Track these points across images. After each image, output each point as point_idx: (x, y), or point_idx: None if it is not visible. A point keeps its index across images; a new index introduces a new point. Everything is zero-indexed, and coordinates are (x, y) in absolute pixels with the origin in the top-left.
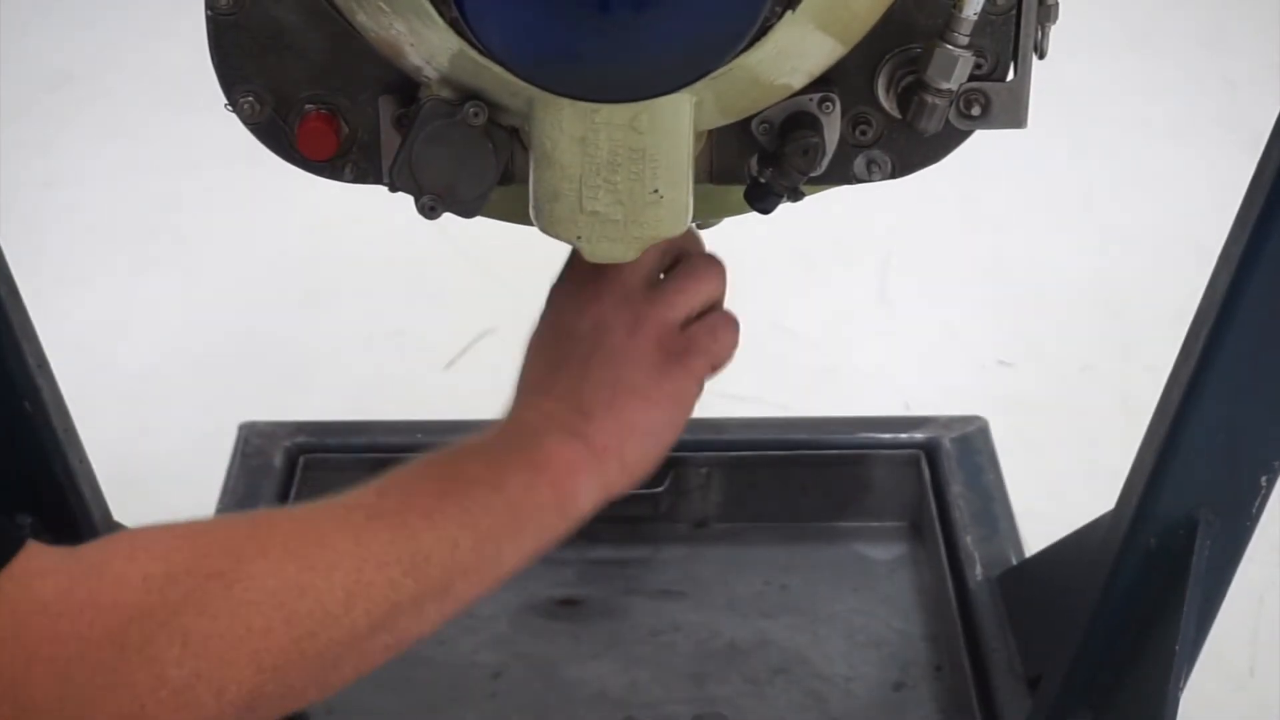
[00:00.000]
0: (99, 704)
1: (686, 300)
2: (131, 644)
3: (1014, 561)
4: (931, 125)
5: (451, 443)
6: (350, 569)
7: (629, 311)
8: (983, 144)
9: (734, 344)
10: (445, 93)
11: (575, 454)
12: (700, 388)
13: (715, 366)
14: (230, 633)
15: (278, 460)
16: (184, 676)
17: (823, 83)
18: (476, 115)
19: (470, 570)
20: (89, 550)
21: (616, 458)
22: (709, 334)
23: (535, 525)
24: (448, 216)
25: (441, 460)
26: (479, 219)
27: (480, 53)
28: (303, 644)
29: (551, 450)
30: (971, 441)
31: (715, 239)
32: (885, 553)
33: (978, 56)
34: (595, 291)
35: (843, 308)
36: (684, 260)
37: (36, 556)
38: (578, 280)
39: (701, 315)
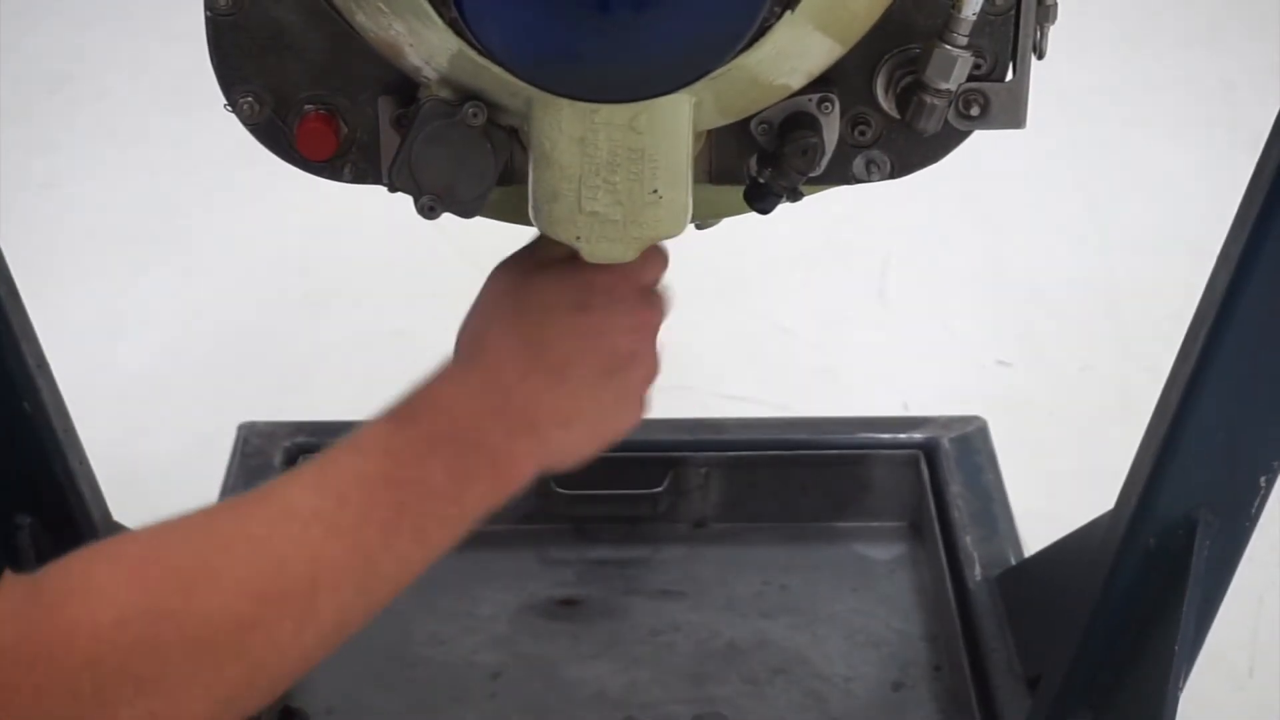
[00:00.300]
0: None
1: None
2: (84, 691)
3: (1013, 561)
4: (930, 125)
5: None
6: (303, 596)
7: (655, 352)
8: (983, 144)
9: None
10: (445, 93)
11: (540, 462)
12: None
13: None
14: (182, 672)
15: (278, 460)
16: (137, 717)
17: (822, 83)
18: (476, 115)
19: (414, 575)
20: (50, 584)
21: (566, 463)
22: None
23: (478, 520)
24: (447, 216)
25: (405, 453)
26: (479, 219)
27: (479, 53)
28: (254, 674)
29: (522, 461)
30: (971, 441)
31: (716, 239)
32: (885, 553)
33: (976, 57)
34: (642, 320)
35: (842, 308)
36: None
37: (3, 596)
38: (628, 283)
39: None
